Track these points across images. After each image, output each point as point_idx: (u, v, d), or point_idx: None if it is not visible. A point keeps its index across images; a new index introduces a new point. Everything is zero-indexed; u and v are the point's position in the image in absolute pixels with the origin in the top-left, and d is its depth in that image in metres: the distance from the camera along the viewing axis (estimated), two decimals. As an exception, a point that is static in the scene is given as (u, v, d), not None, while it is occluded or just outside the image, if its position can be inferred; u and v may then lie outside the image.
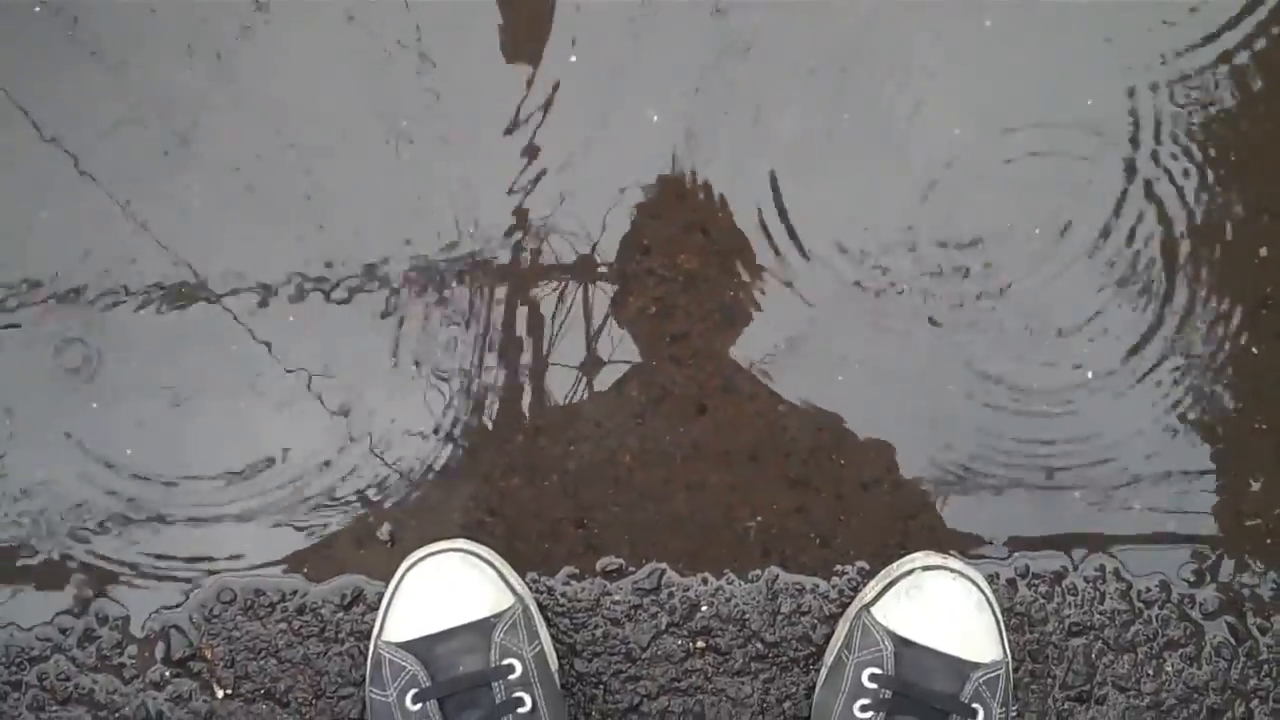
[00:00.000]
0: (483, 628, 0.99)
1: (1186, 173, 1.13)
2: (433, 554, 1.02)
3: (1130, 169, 1.13)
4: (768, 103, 1.13)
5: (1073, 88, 1.14)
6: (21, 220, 1.11)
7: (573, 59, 1.14)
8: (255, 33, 1.13)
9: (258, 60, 1.13)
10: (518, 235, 1.12)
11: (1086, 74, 1.14)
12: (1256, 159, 1.14)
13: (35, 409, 1.09)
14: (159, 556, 1.08)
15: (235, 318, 1.11)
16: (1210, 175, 1.13)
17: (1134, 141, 1.14)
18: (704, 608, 1.08)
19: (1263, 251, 1.13)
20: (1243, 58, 1.14)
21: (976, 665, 0.99)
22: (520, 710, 0.96)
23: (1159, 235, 1.13)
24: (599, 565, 1.09)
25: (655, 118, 1.13)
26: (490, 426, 1.10)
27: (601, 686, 1.07)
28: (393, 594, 1.02)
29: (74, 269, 1.10)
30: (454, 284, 1.11)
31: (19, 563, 1.08)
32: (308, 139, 1.12)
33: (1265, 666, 1.09)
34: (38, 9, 1.12)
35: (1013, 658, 1.05)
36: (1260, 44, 1.14)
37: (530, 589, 1.07)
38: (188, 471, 1.09)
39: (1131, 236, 1.13)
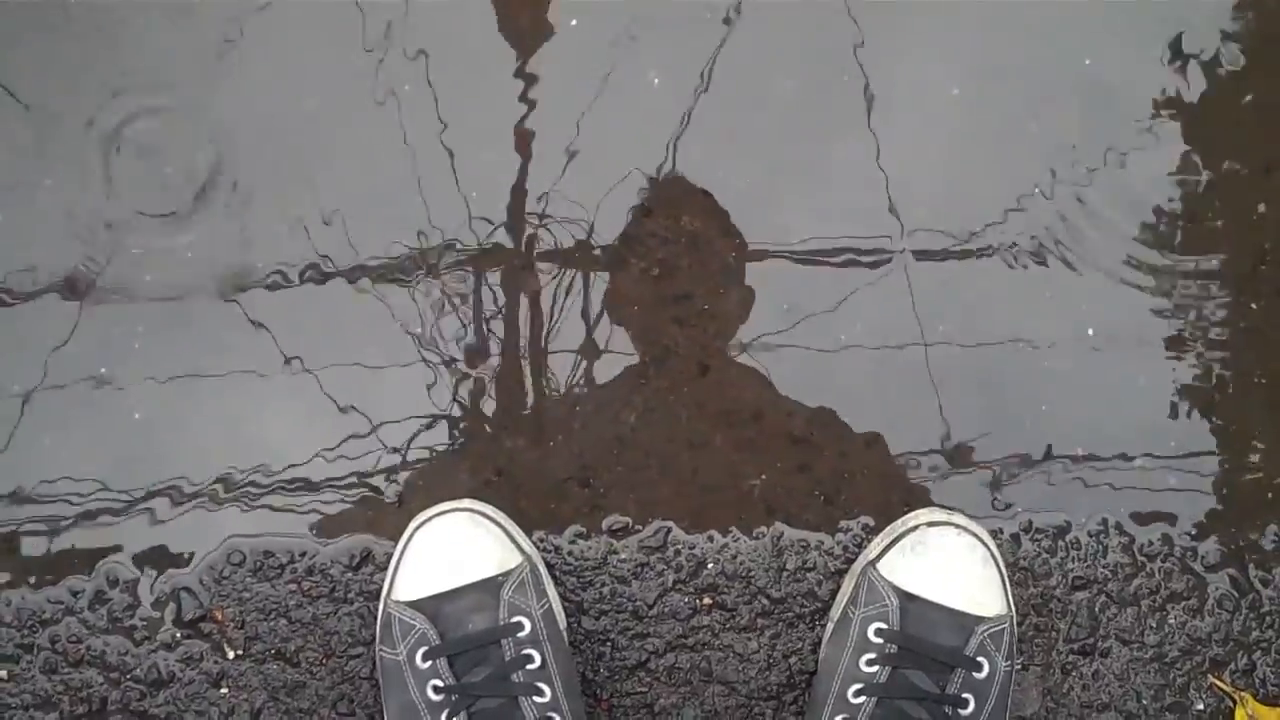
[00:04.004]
0: (491, 586, 0.99)
1: (1185, 131, 1.14)
2: (441, 514, 1.02)
3: (1127, 128, 1.14)
4: (769, 64, 1.14)
5: (1071, 47, 1.14)
6: (15, 208, 1.12)
7: (573, 22, 1.14)
8: (250, 19, 1.13)
9: (251, 45, 1.13)
10: (520, 199, 1.12)
11: (1084, 33, 1.14)
12: (1254, 115, 1.14)
13: (43, 385, 1.10)
14: (169, 522, 1.09)
15: (238, 298, 1.11)
16: (1208, 133, 1.14)
17: (1131, 101, 1.14)
18: (710, 565, 1.09)
19: (1261, 208, 1.14)
20: (1241, 16, 1.15)
21: (981, 619, 0.99)
22: (529, 667, 0.97)
23: (1159, 193, 1.13)
24: (605, 524, 1.10)
25: (656, 80, 1.14)
26: (496, 389, 1.11)
27: (609, 643, 1.08)
28: (401, 554, 1.02)
29: (74, 252, 1.11)
30: (458, 248, 1.12)
31: (30, 538, 1.08)
32: (303, 118, 1.13)
33: (1267, 618, 1.09)
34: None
35: (1017, 612, 1.06)
36: (1261, 4, 1.15)
37: (537, 548, 1.07)
38: (196, 444, 1.10)
39: (1131, 195, 1.13)
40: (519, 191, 1.12)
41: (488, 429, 1.10)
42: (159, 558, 1.08)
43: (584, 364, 1.11)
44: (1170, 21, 1.15)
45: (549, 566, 1.07)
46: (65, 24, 1.13)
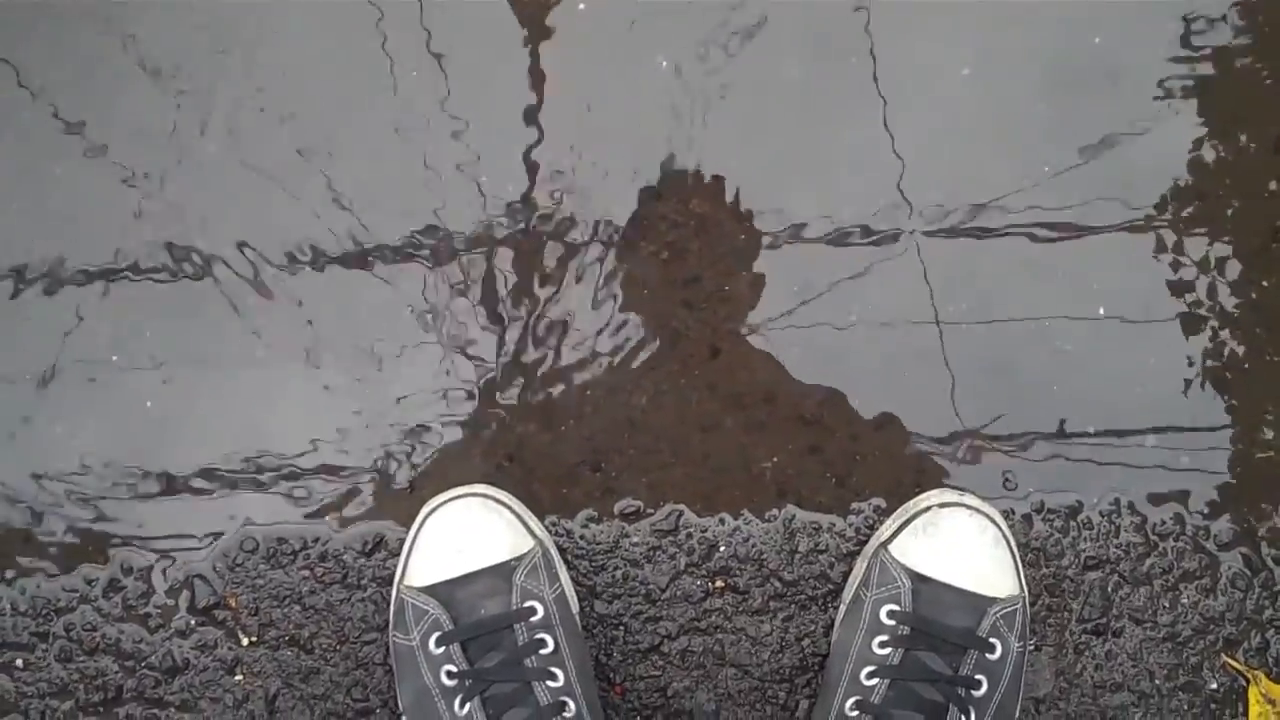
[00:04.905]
0: (503, 571, 1.00)
1: (1195, 109, 1.13)
2: (453, 499, 1.02)
3: (1137, 106, 1.13)
4: (778, 45, 1.13)
5: (1081, 25, 1.14)
6: (27, 197, 1.12)
7: (581, 6, 1.14)
8: (261, 7, 1.13)
9: (263, 28, 1.13)
10: (529, 183, 1.12)
11: (1094, 11, 1.14)
12: (1265, 93, 1.14)
13: (55, 373, 1.10)
14: (182, 509, 1.09)
15: (250, 284, 1.11)
16: (1219, 111, 1.13)
17: (1141, 80, 1.14)
18: (722, 548, 1.09)
19: (1271, 185, 1.13)
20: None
21: (993, 600, 0.99)
22: (542, 651, 0.97)
23: (1169, 172, 1.13)
24: (617, 508, 1.10)
25: (664, 63, 1.14)
26: (506, 373, 1.11)
27: (622, 627, 1.08)
28: (414, 539, 1.03)
29: (86, 240, 1.11)
30: (467, 234, 1.12)
31: (44, 527, 1.09)
32: (315, 104, 1.13)
33: (1280, 596, 1.10)
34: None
35: (1029, 592, 1.06)
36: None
37: (549, 532, 1.07)
38: (209, 431, 1.10)
39: (1142, 174, 1.13)
40: (528, 175, 1.12)
41: (499, 414, 1.11)
42: (172, 545, 1.08)
43: (594, 348, 1.11)
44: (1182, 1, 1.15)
45: (561, 551, 1.07)
46: (75, 14, 1.13)
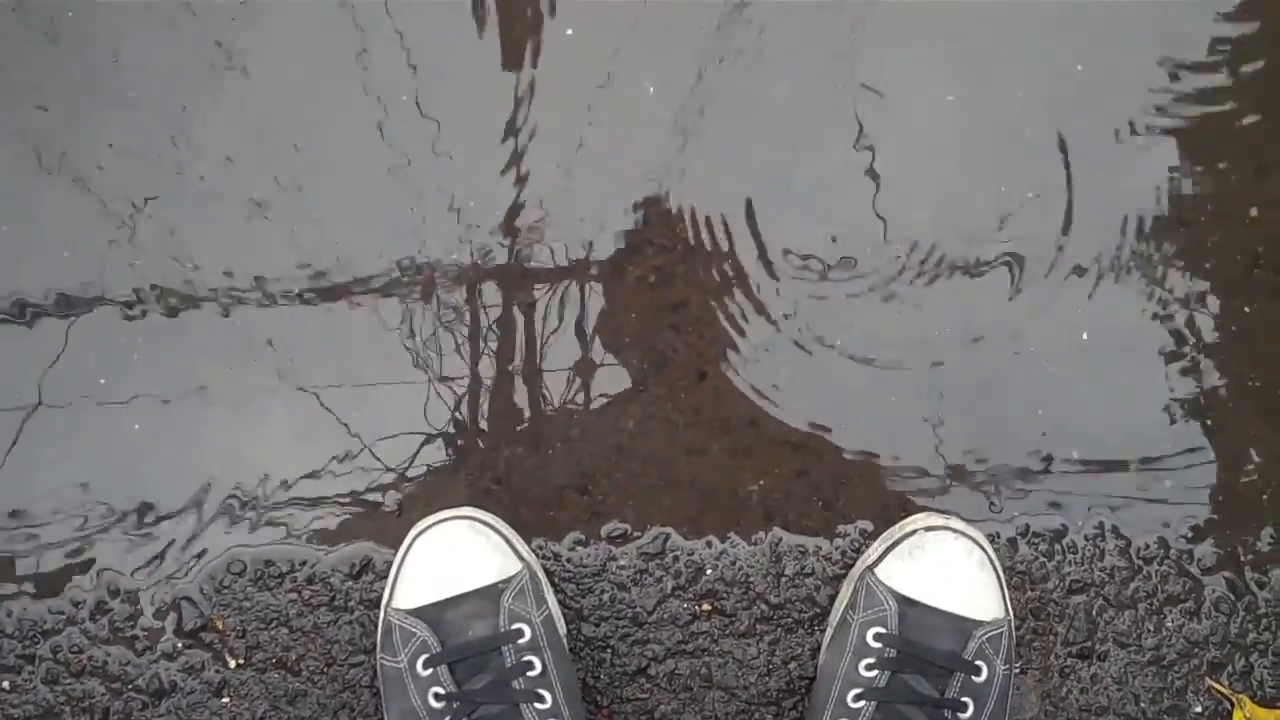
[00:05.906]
0: (491, 593, 1.00)
1: (1176, 136, 1.14)
2: (440, 522, 1.03)
3: (1120, 133, 1.14)
4: (764, 72, 1.14)
5: (1064, 52, 1.15)
6: (14, 222, 1.12)
7: (569, 32, 1.14)
8: (246, 33, 1.14)
9: (247, 59, 1.13)
10: (516, 207, 1.13)
11: (1077, 39, 1.15)
12: (1245, 119, 1.15)
13: (44, 398, 1.10)
14: (169, 532, 1.09)
15: (238, 313, 1.11)
16: (1200, 138, 1.14)
17: (1123, 106, 1.15)
18: (709, 571, 1.09)
19: (1253, 212, 1.14)
20: (1231, 22, 1.15)
21: (979, 623, 0.99)
22: (530, 673, 0.97)
23: (1151, 199, 1.14)
24: (604, 531, 1.10)
25: (652, 89, 1.14)
26: (494, 398, 1.11)
27: (609, 650, 1.08)
28: (401, 562, 1.03)
29: (73, 267, 1.11)
30: (454, 257, 1.12)
31: (32, 549, 1.09)
32: (299, 132, 1.13)
33: (1264, 620, 1.10)
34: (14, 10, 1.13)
35: (1015, 615, 1.06)
36: (1253, 9, 1.15)
37: (537, 555, 1.07)
38: (196, 452, 1.10)
39: (1124, 201, 1.14)
40: (515, 200, 1.13)
41: (486, 438, 1.11)
42: (160, 568, 1.08)
43: (581, 372, 1.11)
44: (1162, 27, 1.15)
45: (548, 573, 1.07)
46: (61, 37, 1.13)
